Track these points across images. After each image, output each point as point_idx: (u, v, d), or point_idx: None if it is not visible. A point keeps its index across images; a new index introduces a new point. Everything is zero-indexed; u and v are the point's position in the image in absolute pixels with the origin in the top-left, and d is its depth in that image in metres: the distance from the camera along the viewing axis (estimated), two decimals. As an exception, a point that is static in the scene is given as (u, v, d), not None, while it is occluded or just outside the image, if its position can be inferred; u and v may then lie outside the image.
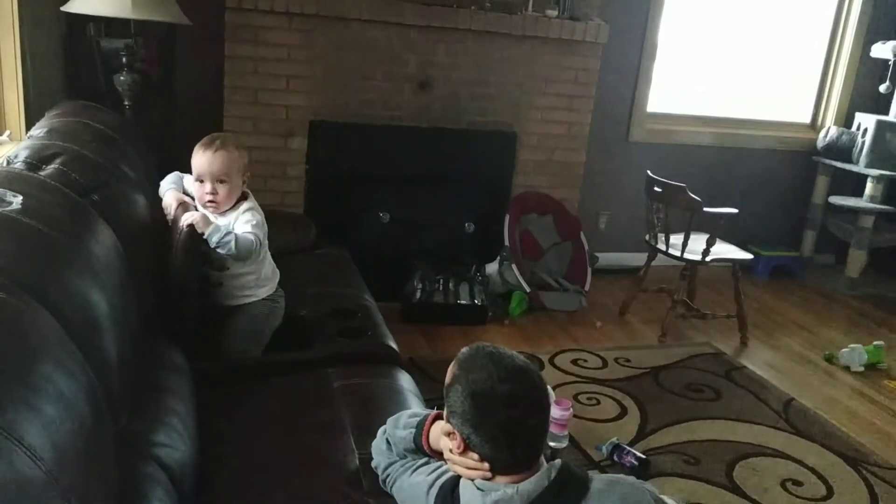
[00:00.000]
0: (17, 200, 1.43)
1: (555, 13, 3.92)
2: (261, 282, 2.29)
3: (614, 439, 2.72)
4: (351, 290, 2.69)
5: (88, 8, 2.72)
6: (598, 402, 3.09)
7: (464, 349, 1.42)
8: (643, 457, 2.63)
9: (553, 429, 2.68)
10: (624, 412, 3.03)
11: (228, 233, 2.12)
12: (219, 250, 2.12)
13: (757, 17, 4.79)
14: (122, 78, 2.97)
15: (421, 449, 1.53)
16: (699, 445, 2.84)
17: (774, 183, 5.05)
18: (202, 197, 2.20)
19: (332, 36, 3.64)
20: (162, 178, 2.38)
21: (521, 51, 3.93)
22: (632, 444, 2.77)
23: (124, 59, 2.97)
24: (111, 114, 2.57)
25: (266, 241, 2.26)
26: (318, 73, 3.67)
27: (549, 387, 2.88)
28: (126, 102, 3.01)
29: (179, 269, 2.07)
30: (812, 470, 2.75)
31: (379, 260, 3.61)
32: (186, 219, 2.10)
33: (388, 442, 1.59)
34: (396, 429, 1.58)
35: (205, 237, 2.10)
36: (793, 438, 2.95)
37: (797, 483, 2.66)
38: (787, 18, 4.88)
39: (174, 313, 2.05)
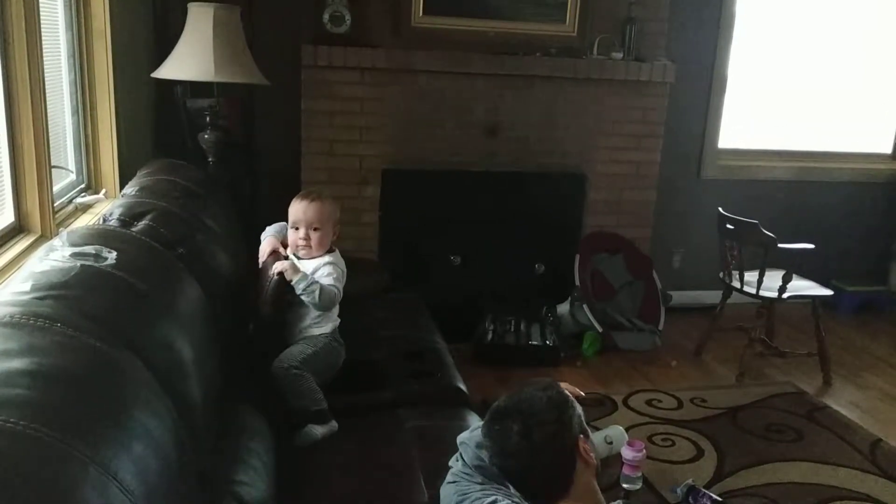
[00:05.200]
0: (111, 256, 1.57)
1: (620, 55, 3.97)
2: (322, 321, 2.35)
3: (690, 481, 2.68)
4: (421, 332, 2.76)
5: (176, 73, 2.93)
6: (674, 444, 3.05)
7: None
8: (719, 499, 2.58)
9: (626, 470, 2.68)
10: (700, 454, 2.98)
11: (314, 282, 2.23)
12: (303, 297, 2.23)
13: (831, 48, 4.72)
14: (206, 136, 3.16)
15: None
16: (779, 488, 2.76)
17: (857, 216, 4.90)
18: (295, 242, 2.32)
19: (403, 88, 3.78)
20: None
21: (588, 94, 3.99)
22: (708, 486, 2.72)
23: (208, 119, 3.16)
24: (196, 170, 2.75)
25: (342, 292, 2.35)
26: (390, 124, 3.82)
27: (621, 428, 2.88)
28: (210, 159, 3.19)
29: (266, 312, 2.21)
30: (902, 515, 2.64)
31: (450, 302, 3.67)
32: (277, 267, 2.24)
33: (461, 459, 1.67)
34: (466, 437, 1.69)
35: (292, 283, 2.22)
36: (881, 482, 2.84)
37: (885, 528, 2.57)
38: (863, 47, 4.78)
39: (256, 353, 2.17)
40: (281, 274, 2.23)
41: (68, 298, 1.36)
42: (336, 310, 2.37)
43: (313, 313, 2.32)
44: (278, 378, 2.18)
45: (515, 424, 1.47)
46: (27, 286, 1.39)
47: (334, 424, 2.14)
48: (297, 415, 2.13)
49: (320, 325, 2.33)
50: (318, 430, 2.11)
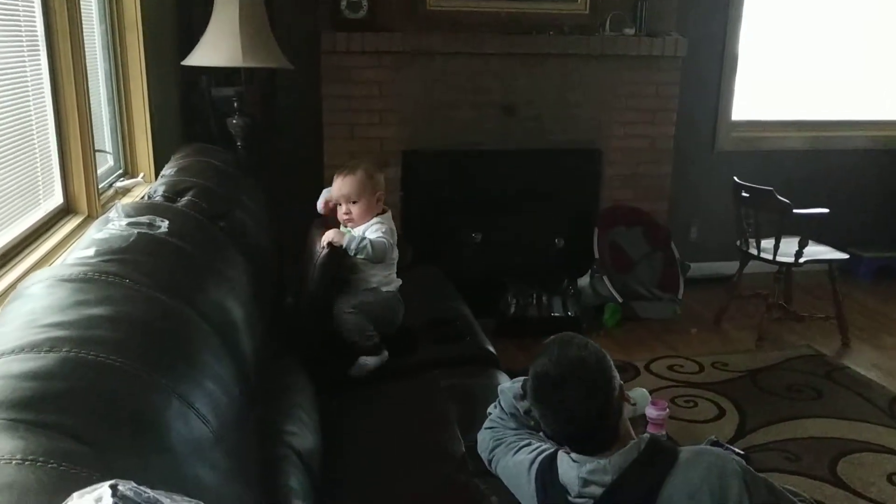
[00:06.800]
0: (164, 225, 1.68)
1: (632, 31, 4.03)
2: (386, 280, 2.48)
3: (712, 437, 2.76)
4: (449, 302, 2.87)
5: (206, 60, 3.04)
6: (696, 405, 3.14)
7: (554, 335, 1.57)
8: (742, 452, 2.66)
9: (650, 429, 2.77)
10: (722, 413, 3.08)
11: (363, 239, 2.34)
12: (358, 256, 2.34)
13: (844, 14, 4.73)
14: (234, 121, 3.27)
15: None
16: (800, 443, 2.85)
17: (874, 183, 4.93)
18: (342, 218, 2.45)
19: (420, 70, 3.87)
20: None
21: (601, 70, 4.06)
22: (731, 443, 2.80)
23: (236, 105, 3.27)
24: (228, 153, 2.86)
25: (395, 246, 2.47)
26: (408, 106, 3.91)
27: (644, 390, 2.97)
28: (238, 143, 3.30)
29: (316, 281, 2.33)
30: (921, 465, 2.72)
31: (473, 278, 3.75)
32: (325, 238, 2.34)
33: (499, 406, 1.77)
34: (506, 387, 1.77)
35: (343, 248, 2.33)
36: (899, 435, 2.93)
37: (905, 477, 2.65)
38: (876, 12, 4.79)
39: (306, 320, 2.28)
40: (330, 244, 2.33)
41: (129, 261, 1.47)
42: (394, 268, 2.49)
43: (375, 277, 2.43)
44: (337, 319, 2.34)
45: (577, 391, 1.44)
46: (91, 251, 1.50)
47: (385, 354, 2.35)
48: (352, 348, 2.33)
49: (388, 285, 2.47)
50: (370, 361, 2.33)
